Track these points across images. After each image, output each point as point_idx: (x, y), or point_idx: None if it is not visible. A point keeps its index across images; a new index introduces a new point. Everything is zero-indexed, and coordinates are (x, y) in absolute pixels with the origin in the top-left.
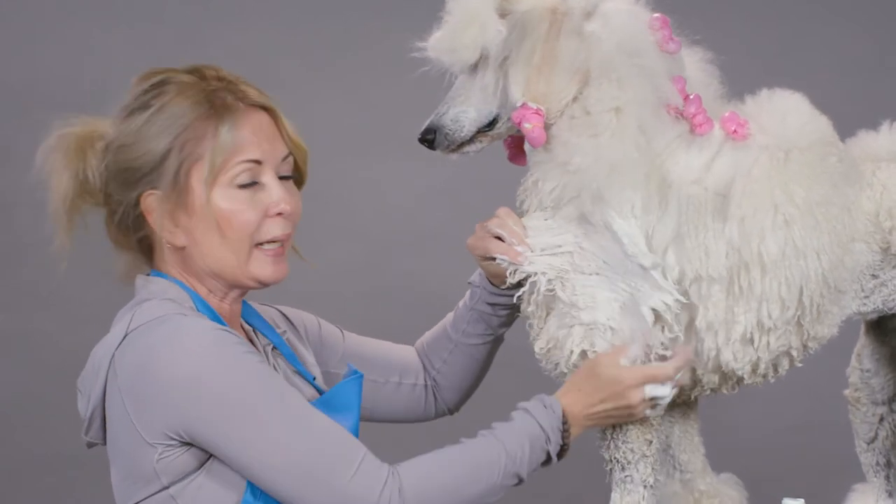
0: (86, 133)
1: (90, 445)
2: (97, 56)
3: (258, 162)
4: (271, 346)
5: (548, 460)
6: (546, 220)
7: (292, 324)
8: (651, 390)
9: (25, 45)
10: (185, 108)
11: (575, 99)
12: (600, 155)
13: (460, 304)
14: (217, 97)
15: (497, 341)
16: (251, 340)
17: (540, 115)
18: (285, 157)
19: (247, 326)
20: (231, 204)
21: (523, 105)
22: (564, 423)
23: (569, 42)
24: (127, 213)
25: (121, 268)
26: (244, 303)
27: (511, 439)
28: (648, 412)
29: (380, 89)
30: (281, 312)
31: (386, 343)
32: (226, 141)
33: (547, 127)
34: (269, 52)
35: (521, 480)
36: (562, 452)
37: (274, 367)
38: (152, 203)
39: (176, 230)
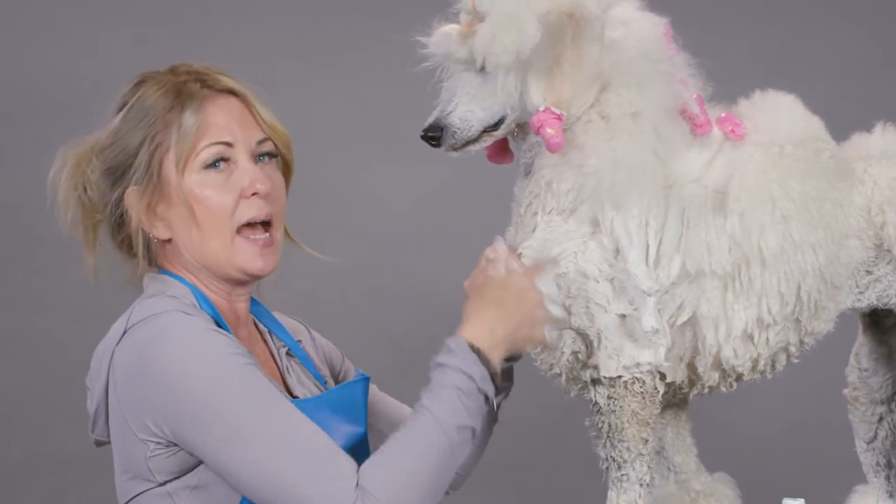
0: (85, 150)
1: (98, 444)
2: (98, 56)
3: (228, 144)
4: (286, 348)
5: (490, 397)
6: (562, 225)
7: (314, 341)
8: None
9: (26, 45)
10: (153, 101)
11: (591, 104)
12: (616, 158)
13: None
14: (184, 87)
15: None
16: (265, 342)
17: (560, 120)
18: (262, 141)
19: (262, 328)
20: (203, 188)
21: (546, 109)
22: (477, 352)
23: (592, 48)
24: (112, 213)
25: (127, 273)
26: (260, 306)
27: (437, 403)
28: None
29: (379, 89)
30: (307, 329)
31: (401, 405)
32: (189, 125)
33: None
34: (269, 52)
35: (474, 430)
36: (498, 383)
37: (287, 369)
38: (132, 199)
39: (158, 223)
